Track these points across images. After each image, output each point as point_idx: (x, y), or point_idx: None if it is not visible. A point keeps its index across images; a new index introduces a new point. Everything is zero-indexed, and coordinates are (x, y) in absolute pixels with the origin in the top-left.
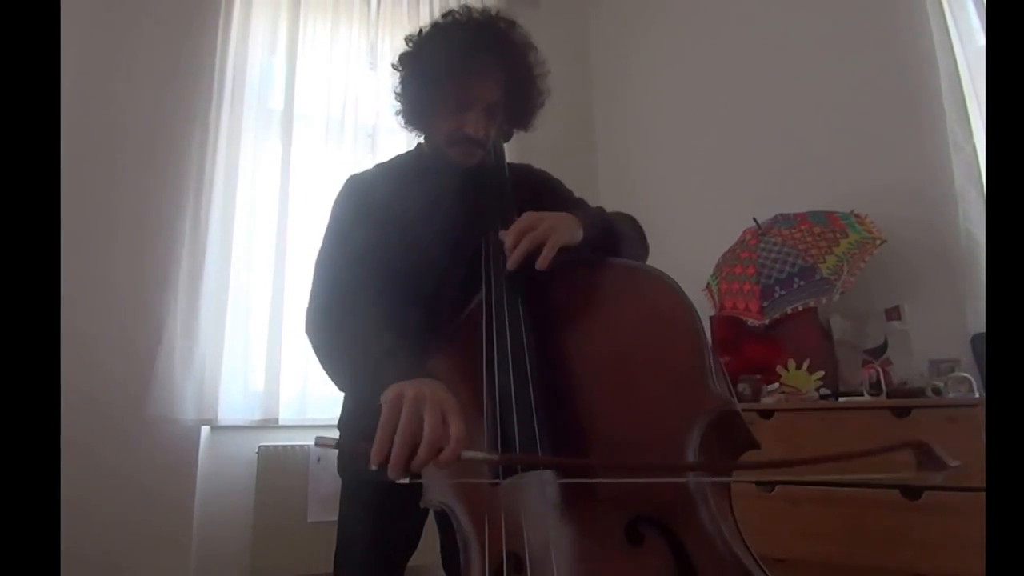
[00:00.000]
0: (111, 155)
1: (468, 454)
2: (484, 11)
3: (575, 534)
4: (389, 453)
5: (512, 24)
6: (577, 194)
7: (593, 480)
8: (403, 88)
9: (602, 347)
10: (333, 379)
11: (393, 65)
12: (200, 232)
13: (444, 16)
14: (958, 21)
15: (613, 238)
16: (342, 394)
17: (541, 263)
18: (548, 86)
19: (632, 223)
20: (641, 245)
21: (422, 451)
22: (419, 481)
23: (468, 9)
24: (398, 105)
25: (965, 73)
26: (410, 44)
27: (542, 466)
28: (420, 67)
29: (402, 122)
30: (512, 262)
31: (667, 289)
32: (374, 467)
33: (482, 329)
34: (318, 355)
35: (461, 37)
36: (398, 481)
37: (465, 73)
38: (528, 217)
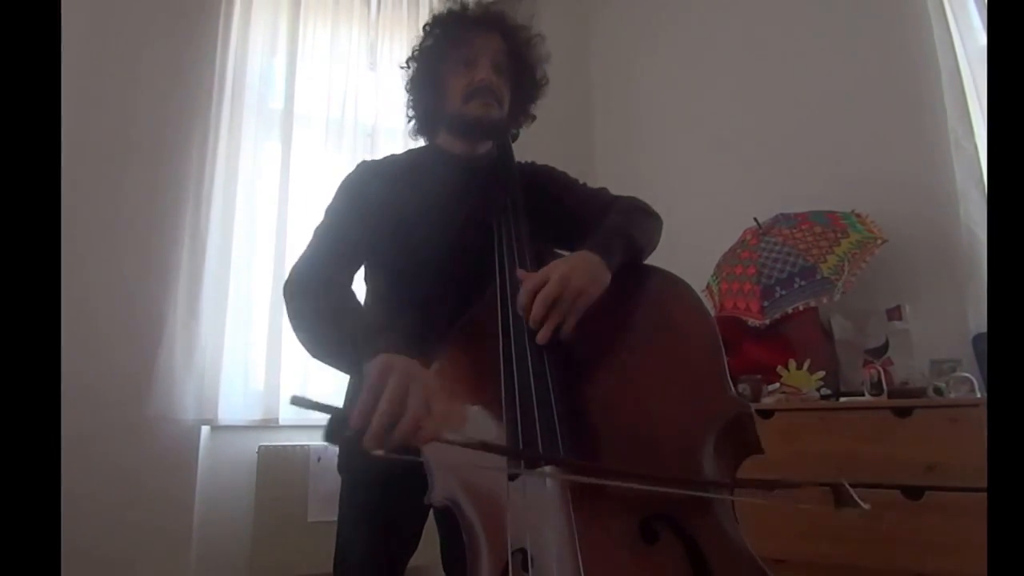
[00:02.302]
0: (111, 155)
1: (450, 436)
2: (479, 4)
3: (587, 531)
4: (369, 421)
5: (504, 10)
6: None
7: (605, 481)
8: (413, 84)
9: (620, 349)
10: (308, 343)
11: (401, 65)
12: (200, 232)
13: (438, 15)
14: (959, 19)
15: (634, 250)
16: (342, 394)
17: (565, 330)
18: (548, 51)
19: (641, 213)
20: (655, 230)
21: (403, 423)
22: (393, 457)
23: (463, 5)
24: (410, 111)
25: (966, 71)
26: (415, 50)
27: (544, 462)
28: (426, 54)
29: (414, 130)
30: (541, 338)
31: (683, 293)
32: (349, 433)
33: (496, 330)
34: (296, 317)
35: (461, 15)
36: (373, 452)
37: (469, 37)
38: (553, 280)
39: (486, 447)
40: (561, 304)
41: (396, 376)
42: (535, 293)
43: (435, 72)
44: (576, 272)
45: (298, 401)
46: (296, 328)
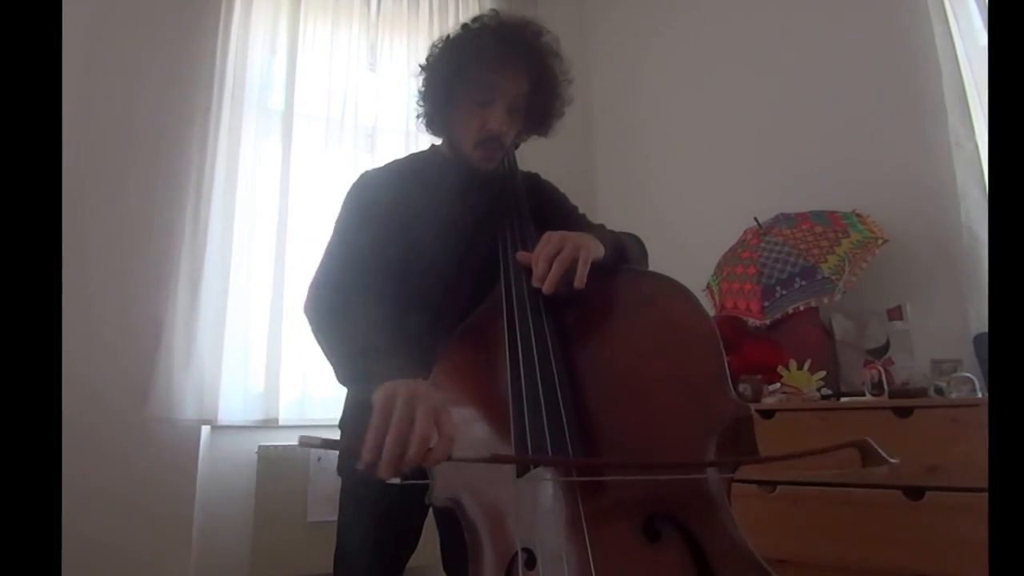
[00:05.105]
0: (111, 155)
1: (459, 455)
2: (513, 16)
3: (591, 530)
4: (381, 451)
5: (540, 32)
6: (576, 194)
7: (609, 478)
8: (427, 89)
9: (623, 354)
10: (331, 363)
11: (420, 65)
12: (200, 232)
13: (473, 21)
14: (959, 19)
15: (623, 257)
16: (343, 394)
17: (578, 283)
18: (571, 95)
19: (637, 242)
20: (641, 251)
21: (412, 448)
22: (410, 483)
23: (496, 13)
24: (420, 109)
25: (967, 71)
26: (436, 48)
27: (542, 465)
28: (446, 67)
29: (423, 125)
30: (548, 286)
31: (684, 297)
32: (361, 467)
33: (502, 330)
34: (317, 338)
35: (487, 39)
36: (388, 481)
37: (490, 70)
38: (553, 239)
39: (498, 460)
40: (564, 254)
41: (400, 402)
42: (541, 253)
43: (449, 95)
44: (573, 234)
45: (307, 441)
46: (322, 350)
